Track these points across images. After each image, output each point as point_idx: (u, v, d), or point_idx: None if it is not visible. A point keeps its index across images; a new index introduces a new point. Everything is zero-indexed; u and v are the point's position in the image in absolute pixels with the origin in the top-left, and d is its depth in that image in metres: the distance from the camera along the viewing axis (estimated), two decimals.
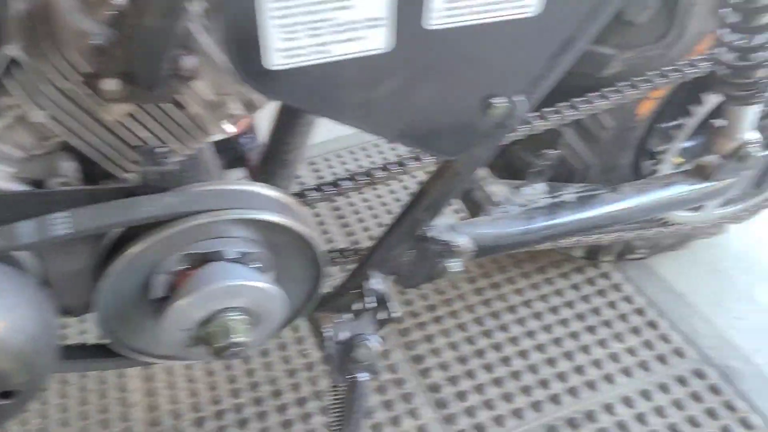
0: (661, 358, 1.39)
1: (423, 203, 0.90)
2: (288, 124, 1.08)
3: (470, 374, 1.40)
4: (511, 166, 1.25)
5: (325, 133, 2.06)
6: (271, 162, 1.13)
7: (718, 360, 1.38)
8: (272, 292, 0.84)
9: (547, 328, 1.48)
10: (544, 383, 1.37)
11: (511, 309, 1.53)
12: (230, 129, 1.24)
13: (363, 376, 1.04)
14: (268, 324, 0.89)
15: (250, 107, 0.87)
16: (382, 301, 0.97)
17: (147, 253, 0.80)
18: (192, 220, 0.78)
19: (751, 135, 1.05)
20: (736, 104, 0.97)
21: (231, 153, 1.32)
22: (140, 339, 0.91)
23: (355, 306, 0.98)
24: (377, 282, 0.97)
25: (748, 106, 0.97)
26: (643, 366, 1.38)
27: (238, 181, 0.86)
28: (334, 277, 1.60)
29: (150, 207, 0.76)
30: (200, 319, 0.83)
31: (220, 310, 0.83)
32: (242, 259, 0.84)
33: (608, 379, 1.36)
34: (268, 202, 0.86)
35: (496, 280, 1.60)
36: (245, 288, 0.82)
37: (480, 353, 1.44)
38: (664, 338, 1.43)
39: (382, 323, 0.98)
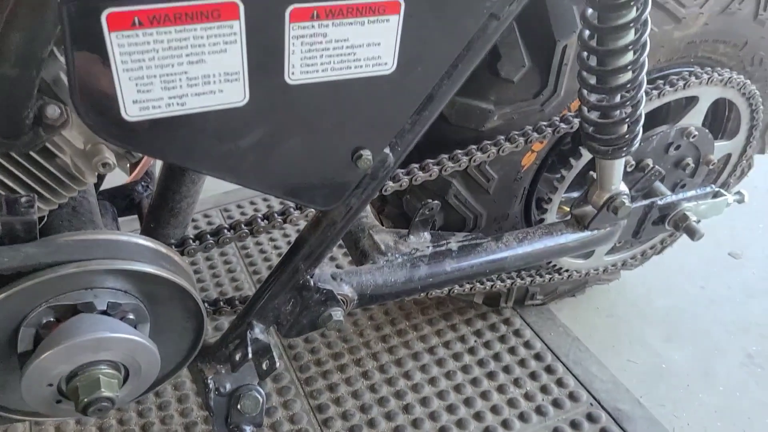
0: (557, 403, 1.42)
1: (301, 252, 0.91)
2: (177, 172, 1.08)
3: (371, 424, 1.39)
4: (404, 215, 1.28)
5: None
6: (161, 210, 1.12)
7: (610, 403, 1.42)
8: (142, 345, 0.83)
9: (448, 375, 1.49)
10: None
11: (415, 356, 1.54)
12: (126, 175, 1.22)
13: (248, 429, 1.02)
14: (141, 378, 0.87)
15: (128, 155, 0.86)
16: (264, 352, 0.96)
17: (8, 304, 0.77)
18: (55, 270, 0.77)
19: (622, 187, 1.11)
20: (602, 158, 1.03)
21: (126, 200, 1.30)
22: (4, 396, 0.87)
23: (237, 356, 0.96)
24: (259, 332, 0.96)
25: (614, 160, 1.03)
26: (539, 411, 1.40)
27: (108, 231, 0.85)
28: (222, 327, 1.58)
29: (7, 258, 0.74)
30: (65, 374, 0.81)
31: (86, 364, 0.80)
32: (111, 311, 0.82)
33: (506, 425, 1.38)
34: (141, 252, 0.85)
35: (401, 326, 1.61)
36: (111, 341, 0.80)
37: (382, 401, 1.43)
38: (560, 383, 1.46)
39: (264, 374, 0.97)
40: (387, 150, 0.82)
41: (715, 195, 1.27)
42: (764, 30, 1.21)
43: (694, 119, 1.26)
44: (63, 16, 0.56)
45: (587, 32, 0.91)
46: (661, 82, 1.16)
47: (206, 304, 1.20)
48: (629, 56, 0.89)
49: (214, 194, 2.08)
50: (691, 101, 1.25)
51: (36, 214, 0.78)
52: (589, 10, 0.88)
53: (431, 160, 1.07)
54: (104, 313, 0.82)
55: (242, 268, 1.80)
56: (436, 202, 1.04)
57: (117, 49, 0.60)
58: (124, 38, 0.59)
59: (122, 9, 0.58)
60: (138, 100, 0.64)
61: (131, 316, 0.85)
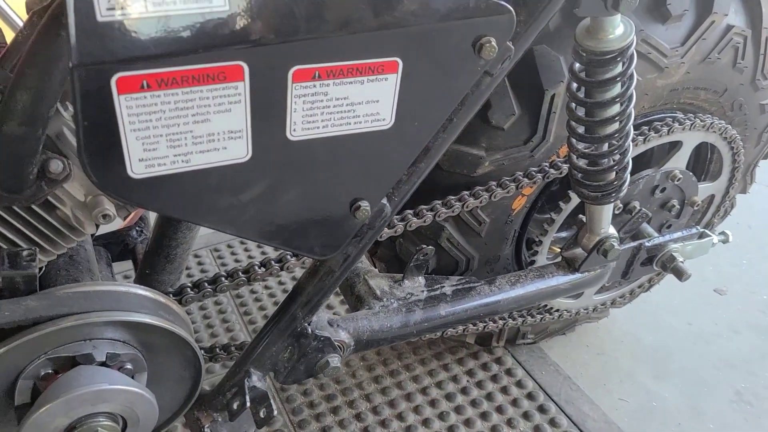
0: None
1: (299, 300, 0.92)
2: (173, 220, 1.08)
3: None
4: (397, 257, 1.30)
5: None
6: (156, 256, 1.12)
7: None
8: (140, 395, 0.83)
9: (441, 416, 1.49)
10: None
11: (408, 396, 1.54)
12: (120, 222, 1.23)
13: None
14: (139, 428, 0.87)
15: (127, 206, 0.88)
16: (262, 399, 0.96)
17: (8, 358, 0.77)
18: (55, 323, 0.77)
19: (611, 230, 1.13)
20: (591, 203, 1.06)
21: (120, 245, 1.31)
22: None
23: (235, 404, 0.96)
24: (257, 379, 0.97)
25: (603, 205, 1.06)
26: None
27: (106, 282, 0.85)
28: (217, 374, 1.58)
29: (8, 311, 0.75)
30: (63, 427, 0.80)
31: (84, 417, 0.80)
32: (110, 362, 0.83)
33: None
34: (139, 302, 0.85)
35: (393, 367, 1.62)
36: (110, 392, 0.80)
37: None
38: (553, 422, 1.47)
39: (261, 422, 0.97)
40: (384, 200, 0.84)
41: (701, 236, 1.30)
42: (742, 77, 1.25)
43: (678, 163, 1.29)
44: (74, 79, 0.58)
45: (575, 85, 0.94)
46: (646, 128, 1.20)
47: (203, 352, 1.20)
48: (616, 108, 0.92)
49: (204, 234, 2.08)
50: (675, 145, 1.29)
51: (37, 267, 0.78)
52: (577, 65, 0.91)
53: (425, 206, 1.09)
54: (103, 364, 0.83)
55: (236, 317, 1.79)
56: (430, 247, 1.06)
57: (125, 111, 0.61)
58: (133, 100, 0.61)
59: (131, 73, 0.59)
60: (144, 158, 0.65)
61: (129, 366, 0.85)
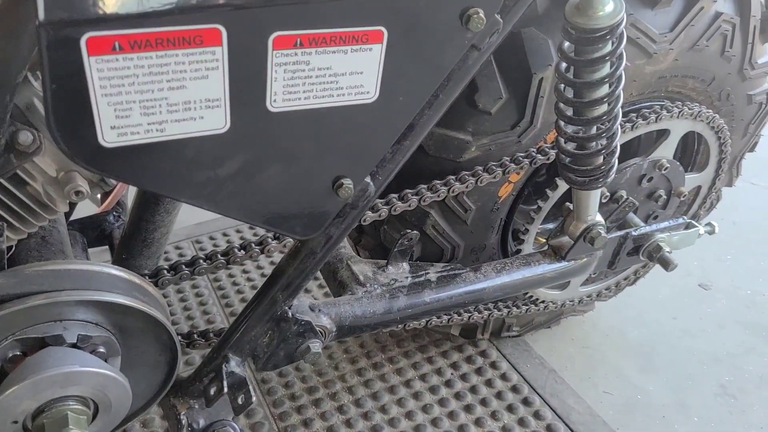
0: None
1: (280, 283, 0.89)
2: (151, 201, 1.06)
3: None
4: (381, 245, 1.27)
5: None
6: (133, 240, 1.10)
7: None
8: (113, 379, 0.80)
9: (425, 408, 1.46)
10: None
11: (391, 389, 1.51)
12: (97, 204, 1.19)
13: None
14: (112, 414, 0.84)
15: (102, 183, 0.84)
16: (240, 386, 0.93)
17: None
18: (23, 302, 0.74)
19: (598, 218, 1.12)
20: (578, 189, 1.04)
21: (97, 230, 1.28)
22: None
23: (212, 390, 0.94)
24: (235, 365, 0.94)
25: (590, 191, 1.04)
26: None
27: (79, 261, 0.82)
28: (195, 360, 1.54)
29: None
30: (31, 410, 0.77)
31: (53, 400, 0.77)
32: (82, 344, 0.80)
33: None
34: (113, 282, 0.82)
35: (376, 359, 1.59)
36: (80, 375, 0.77)
37: None
38: (537, 415, 1.45)
39: (239, 408, 0.94)
40: (368, 179, 0.82)
41: (687, 226, 1.29)
42: (730, 66, 1.24)
43: (665, 152, 1.28)
44: (41, 39, 0.55)
45: (564, 65, 0.92)
46: (634, 115, 1.18)
47: (180, 337, 1.17)
48: (605, 89, 0.91)
49: (186, 226, 2.05)
50: (662, 134, 1.28)
51: (4, 243, 0.75)
52: (566, 43, 0.90)
53: (410, 191, 1.07)
54: (74, 346, 0.80)
55: (215, 301, 1.76)
56: (415, 232, 1.04)
57: (96, 74, 0.59)
58: (104, 63, 0.58)
59: (102, 33, 0.57)
60: (116, 125, 0.62)
61: (102, 350, 0.82)
